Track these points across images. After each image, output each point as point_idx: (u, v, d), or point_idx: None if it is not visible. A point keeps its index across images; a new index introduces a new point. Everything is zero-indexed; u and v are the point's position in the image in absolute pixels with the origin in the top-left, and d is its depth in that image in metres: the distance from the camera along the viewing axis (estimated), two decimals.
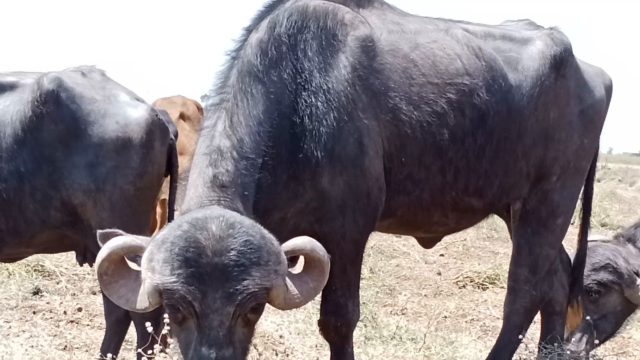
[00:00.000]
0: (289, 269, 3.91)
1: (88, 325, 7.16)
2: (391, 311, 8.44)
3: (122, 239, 3.88)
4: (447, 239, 11.34)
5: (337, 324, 4.74)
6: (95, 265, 3.86)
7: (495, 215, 5.88)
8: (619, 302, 6.26)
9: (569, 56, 5.34)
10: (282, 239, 4.02)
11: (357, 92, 4.49)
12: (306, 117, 4.37)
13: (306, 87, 4.41)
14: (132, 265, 3.89)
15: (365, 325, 7.42)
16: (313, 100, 4.38)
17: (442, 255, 11.55)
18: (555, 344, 5.68)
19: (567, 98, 5.31)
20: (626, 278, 6.17)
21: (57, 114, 4.97)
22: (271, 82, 4.38)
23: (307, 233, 4.53)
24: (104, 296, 4.94)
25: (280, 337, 6.89)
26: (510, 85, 5.04)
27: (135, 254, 3.83)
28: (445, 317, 8.39)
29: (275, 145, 4.31)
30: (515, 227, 5.47)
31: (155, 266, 3.66)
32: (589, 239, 6.14)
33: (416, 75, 4.71)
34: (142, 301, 3.76)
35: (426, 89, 4.72)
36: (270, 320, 7.28)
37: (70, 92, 5.04)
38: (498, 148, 4.99)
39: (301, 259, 4.02)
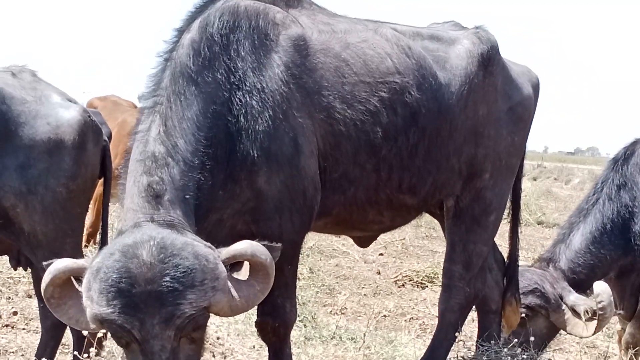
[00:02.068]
0: (234, 275, 3.89)
1: (24, 329, 7.04)
2: (331, 311, 8.47)
3: (64, 262, 3.84)
4: (386, 238, 11.47)
5: (275, 325, 4.71)
6: (42, 290, 3.83)
7: None
8: (545, 326, 6.39)
9: (495, 54, 5.41)
10: (220, 241, 4.01)
11: (291, 91, 4.49)
12: (241, 116, 4.35)
13: (240, 86, 4.39)
14: (79, 286, 3.83)
15: (305, 325, 7.42)
16: (248, 99, 4.36)
17: (381, 254, 11.64)
18: (492, 342, 5.76)
19: (495, 95, 5.38)
20: (552, 302, 6.29)
21: None
22: (205, 83, 4.35)
23: (243, 234, 4.51)
24: (40, 300, 4.86)
25: (219, 338, 6.86)
26: (440, 84, 5.08)
27: (78, 275, 3.79)
28: (385, 316, 8.46)
29: (212, 145, 4.28)
30: (448, 224, 5.51)
31: (92, 296, 3.64)
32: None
33: (348, 74, 4.72)
34: (90, 324, 3.76)
35: (358, 87, 4.73)
36: (209, 322, 7.22)
37: (0, 93, 4.93)
38: (430, 145, 5.02)
39: (246, 263, 4.01)
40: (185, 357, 3.74)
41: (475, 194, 5.39)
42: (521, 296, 6.13)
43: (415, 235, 13.03)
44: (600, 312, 5.99)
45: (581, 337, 6.40)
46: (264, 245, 3.94)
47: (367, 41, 4.92)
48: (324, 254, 11.08)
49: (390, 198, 5.05)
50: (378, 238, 6.53)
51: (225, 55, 4.43)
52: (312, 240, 10.93)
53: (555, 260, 6.56)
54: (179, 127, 4.22)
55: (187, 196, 4.11)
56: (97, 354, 4.53)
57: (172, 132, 4.21)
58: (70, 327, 5.24)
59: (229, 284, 3.83)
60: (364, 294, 9.36)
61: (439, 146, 5.09)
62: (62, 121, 5.02)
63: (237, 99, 4.37)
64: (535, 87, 5.80)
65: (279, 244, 4.05)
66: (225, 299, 3.75)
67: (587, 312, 6.11)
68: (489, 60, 5.34)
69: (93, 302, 3.63)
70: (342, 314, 8.37)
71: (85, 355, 4.58)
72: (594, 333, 6.20)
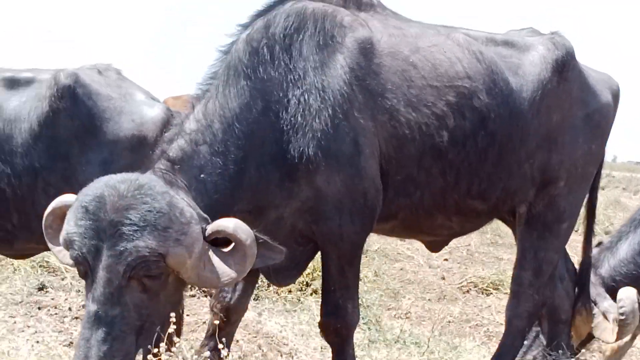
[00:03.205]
0: (221, 249, 3.97)
1: None
2: (395, 314, 8.45)
3: (68, 196, 4.06)
4: (451, 243, 11.30)
5: (337, 326, 4.75)
6: (43, 221, 4.09)
7: (500, 221, 5.89)
8: None
9: (570, 60, 5.32)
10: (280, 240, 4.15)
11: (354, 92, 4.51)
12: (299, 114, 4.40)
13: (299, 85, 4.44)
14: None
15: (369, 328, 7.43)
16: (306, 98, 4.42)
17: (446, 259, 11.56)
18: (560, 352, 5.70)
19: (569, 101, 5.30)
20: None
21: (73, 110, 5.01)
22: (257, 79, 4.45)
23: (305, 234, 4.64)
24: None
25: (284, 338, 6.91)
26: (512, 89, 5.03)
27: None
28: (449, 321, 8.40)
29: (258, 140, 4.38)
30: (520, 231, 5.46)
31: (68, 217, 3.83)
32: None
33: (415, 78, 4.72)
34: (66, 255, 3.93)
35: (425, 91, 4.72)
36: (274, 321, 7.30)
37: (87, 89, 5.07)
38: (501, 151, 4.99)
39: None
40: (133, 304, 3.81)
41: (548, 201, 5.32)
42: None
43: (480, 241, 12.91)
44: (621, 318, 5.90)
45: (607, 343, 6.29)
46: (265, 241, 4.03)
47: (437, 45, 4.92)
48: (389, 257, 11.06)
49: (458, 203, 5.03)
50: None
51: (286, 55, 4.50)
52: (377, 243, 10.93)
53: (597, 266, 6.45)
54: (218, 113, 4.38)
55: (203, 176, 4.23)
56: (167, 350, 4.60)
57: (210, 115, 4.38)
58: None
59: (206, 252, 3.89)
60: (428, 299, 9.31)
61: (510, 152, 5.05)
62: (146, 118, 5.13)
63: (294, 98, 4.43)
64: (615, 95, 5.68)
65: (283, 248, 4.12)
66: (187, 257, 3.79)
67: (615, 319, 6.02)
68: (564, 66, 5.27)
69: (66, 223, 3.81)
70: (407, 318, 8.34)
71: (155, 350, 4.66)
72: (617, 340, 6.08)
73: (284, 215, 4.56)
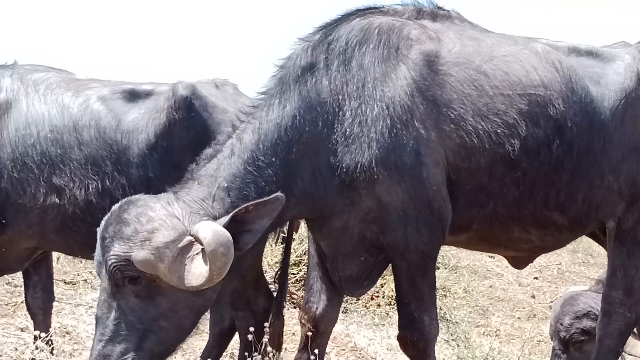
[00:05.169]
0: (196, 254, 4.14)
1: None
2: (484, 332, 8.43)
3: None
4: (541, 261, 11.27)
5: (414, 339, 4.71)
6: None
7: (592, 241, 5.80)
8: None
9: None
10: (349, 251, 4.42)
11: (415, 103, 4.51)
12: (355, 125, 4.45)
13: (356, 96, 4.49)
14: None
15: (457, 344, 7.44)
16: (363, 108, 4.47)
17: (536, 278, 11.42)
18: None
19: None
20: None
21: (189, 121, 5.13)
22: (308, 91, 4.54)
23: (374, 244, 4.66)
24: (210, 311, 5.08)
25: (373, 352, 6.97)
26: (592, 98, 4.91)
27: None
28: (539, 341, 8.34)
29: (312, 148, 4.48)
30: (610, 247, 5.31)
31: None
32: (570, 289, 6.20)
33: (486, 87, 4.67)
34: None
35: (496, 100, 4.67)
36: (362, 335, 7.37)
37: (203, 101, 5.20)
38: (579, 161, 4.86)
39: None
40: (129, 308, 4.20)
41: (639, 216, 5.16)
42: (576, 320, 6.03)
43: (571, 260, 12.70)
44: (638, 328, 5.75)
45: (636, 357, 6.14)
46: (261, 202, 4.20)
47: (513, 54, 4.86)
48: (478, 274, 11.00)
49: (535, 214, 4.91)
50: (534, 261, 6.45)
51: (345, 68, 4.57)
52: (466, 259, 10.89)
53: None
54: (256, 127, 4.52)
55: (226, 184, 4.39)
56: None
57: (247, 128, 4.53)
58: (239, 334, 5.50)
59: (185, 256, 4.11)
60: (518, 317, 9.25)
61: (590, 162, 4.90)
62: None
63: (350, 108, 4.48)
64: None
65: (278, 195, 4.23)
66: (156, 260, 4.07)
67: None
68: None
69: None
70: (496, 335, 8.31)
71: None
72: None
73: (349, 224, 4.60)
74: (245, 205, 4.21)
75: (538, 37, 5.18)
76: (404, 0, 5.03)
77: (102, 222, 4.26)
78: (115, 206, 4.28)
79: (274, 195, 4.23)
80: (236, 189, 4.40)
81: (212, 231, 4.04)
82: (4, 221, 5.34)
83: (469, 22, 5.14)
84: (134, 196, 4.34)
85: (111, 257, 4.13)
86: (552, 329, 6.27)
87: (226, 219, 4.18)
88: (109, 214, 4.27)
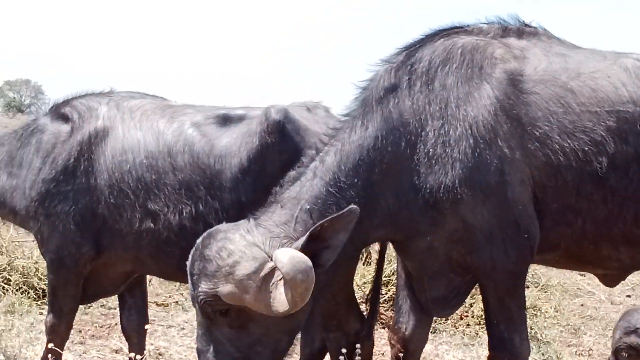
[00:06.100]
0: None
1: None
2: (576, 351, 8.27)
3: None
4: (634, 279, 11.01)
5: (505, 359, 4.68)
6: None
7: None
8: None
9: None
10: (435, 270, 4.46)
11: (499, 122, 4.48)
12: (438, 146, 4.45)
13: (439, 116, 4.50)
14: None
15: None
16: (446, 129, 4.46)
17: (628, 296, 11.15)
18: None
19: None
20: None
21: (281, 145, 5.15)
22: (390, 112, 4.57)
23: (461, 264, 4.65)
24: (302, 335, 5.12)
25: None
26: None
27: None
28: None
29: (395, 170, 4.50)
30: None
31: None
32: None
33: (573, 104, 4.60)
34: None
35: (583, 117, 4.59)
36: (452, 355, 7.35)
37: (296, 124, 5.22)
38: None
39: None
40: (226, 339, 4.35)
41: None
42: (625, 335, 5.92)
43: None
44: None
45: None
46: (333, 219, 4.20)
47: (601, 71, 4.76)
48: (569, 292, 10.81)
49: (625, 233, 4.79)
50: (626, 279, 6.33)
51: (427, 88, 4.58)
52: (557, 278, 10.72)
53: None
54: (338, 148, 4.59)
55: (309, 207, 4.46)
56: None
57: (329, 150, 4.60)
58: (330, 356, 5.53)
59: (269, 283, 4.18)
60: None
61: None
62: None
63: (433, 129, 4.48)
64: None
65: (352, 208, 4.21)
66: (241, 292, 4.18)
67: None
68: None
69: None
70: (589, 355, 8.14)
71: None
72: None
73: (434, 245, 4.61)
74: (320, 222, 4.24)
75: (629, 52, 5.07)
76: (489, 18, 5.01)
77: (189, 258, 4.41)
78: (199, 241, 4.41)
79: (348, 208, 4.24)
80: (318, 211, 4.46)
81: (289, 258, 4.06)
82: (101, 246, 5.50)
83: (556, 39, 5.08)
84: (214, 228, 4.45)
85: (200, 293, 4.30)
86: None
87: (303, 239, 4.22)
88: (193, 250, 4.41)
